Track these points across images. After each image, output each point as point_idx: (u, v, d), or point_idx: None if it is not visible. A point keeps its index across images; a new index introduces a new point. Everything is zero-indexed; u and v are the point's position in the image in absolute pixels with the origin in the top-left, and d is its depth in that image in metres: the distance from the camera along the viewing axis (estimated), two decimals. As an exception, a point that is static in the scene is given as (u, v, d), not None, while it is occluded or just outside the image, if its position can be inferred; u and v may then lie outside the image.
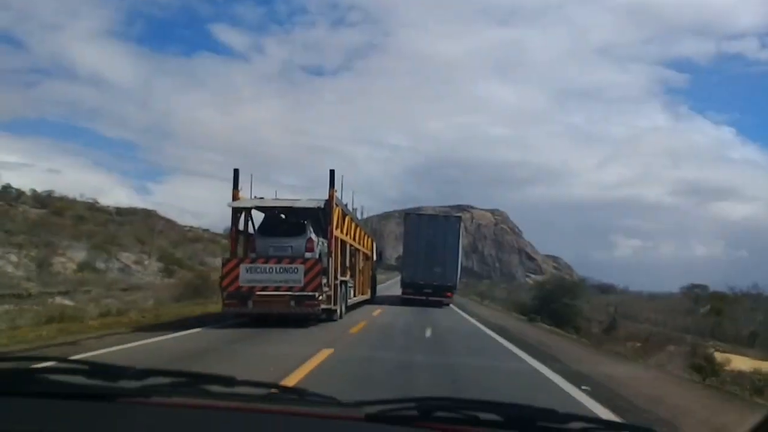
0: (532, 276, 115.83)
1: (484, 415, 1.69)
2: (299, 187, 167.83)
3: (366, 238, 23.70)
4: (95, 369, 1.80)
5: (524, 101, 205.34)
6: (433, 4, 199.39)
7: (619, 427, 2.43)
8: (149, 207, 45.81)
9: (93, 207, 38.16)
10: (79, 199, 37.80)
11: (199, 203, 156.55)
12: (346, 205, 17.58)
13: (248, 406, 1.74)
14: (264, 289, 13.76)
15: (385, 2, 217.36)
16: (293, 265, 13.89)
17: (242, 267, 13.94)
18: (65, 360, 2.03)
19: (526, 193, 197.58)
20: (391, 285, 35.96)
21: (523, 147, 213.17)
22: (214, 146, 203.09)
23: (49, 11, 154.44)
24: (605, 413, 6.36)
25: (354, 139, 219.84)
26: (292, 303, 13.84)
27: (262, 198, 15.79)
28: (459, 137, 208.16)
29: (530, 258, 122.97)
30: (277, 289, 13.77)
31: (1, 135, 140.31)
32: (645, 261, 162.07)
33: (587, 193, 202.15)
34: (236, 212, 15.38)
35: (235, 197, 15.19)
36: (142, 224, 37.64)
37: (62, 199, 36.09)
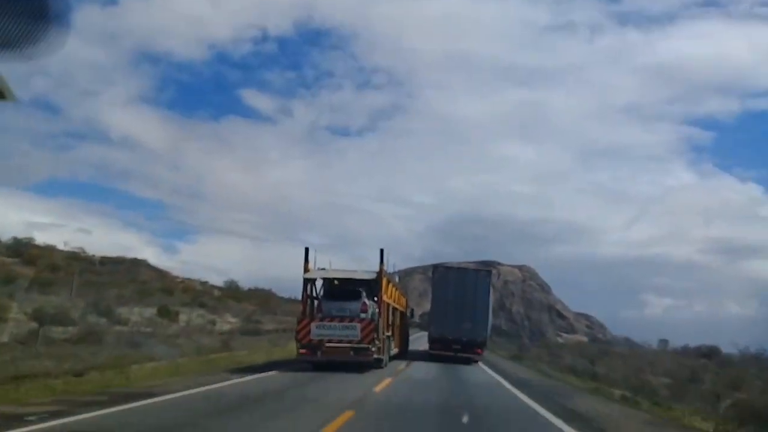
0: (564, 335, 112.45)
1: None
2: (326, 245, 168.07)
3: (401, 297, 26.59)
4: None
5: (547, 160, 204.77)
6: (456, 66, 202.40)
7: None
8: (173, 264, 45.87)
9: (77, 256, 37.55)
10: (61, 248, 37.10)
11: (226, 261, 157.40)
12: (386, 272, 20.48)
13: None
14: (330, 341, 17.67)
15: (409, 65, 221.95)
16: (353, 323, 17.88)
17: (313, 324, 17.87)
18: None
19: (552, 251, 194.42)
20: (414, 340, 34.78)
21: (547, 205, 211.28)
22: (241, 206, 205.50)
23: (85, 78, 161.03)
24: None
25: (378, 198, 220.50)
26: (352, 353, 17.78)
27: (325, 269, 19.80)
28: (482, 195, 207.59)
29: (561, 316, 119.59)
30: (340, 341, 17.70)
31: (35, 196, 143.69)
32: (677, 319, 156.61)
33: (615, 251, 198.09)
34: (306, 282, 19.19)
35: (306, 270, 19.10)
36: (124, 273, 37.14)
37: (41, 247, 35.23)
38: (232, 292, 43.05)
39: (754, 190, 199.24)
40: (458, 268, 27.80)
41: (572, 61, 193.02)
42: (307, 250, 19.34)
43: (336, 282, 19.64)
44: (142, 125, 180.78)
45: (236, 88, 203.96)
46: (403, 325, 27.41)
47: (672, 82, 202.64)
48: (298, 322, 18.49)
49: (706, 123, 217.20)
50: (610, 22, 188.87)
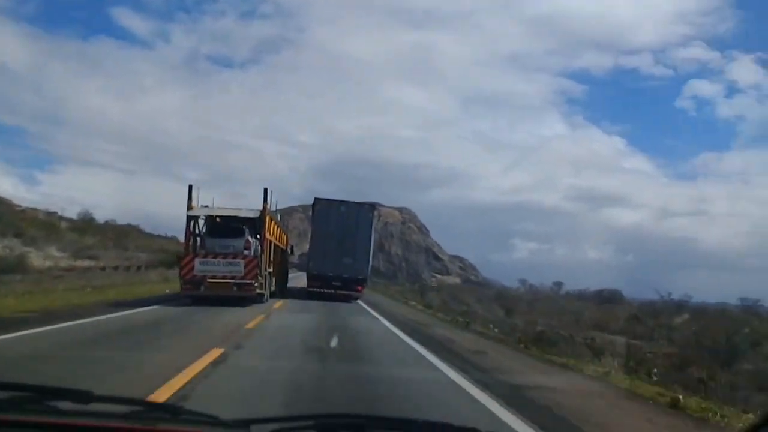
0: (438, 276, 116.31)
1: None
2: (204, 181, 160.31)
3: (282, 235, 26.70)
4: None
5: (433, 105, 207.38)
6: (349, 3, 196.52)
7: None
8: (33, 197, 40.57)
9: None
10: None
11: (93, 194, 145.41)
12: (269, 210, 20.76)
13: (105, 425, 1.48)
14: (213, 277, 17.87)
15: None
16: (236, 260, 18.30)
17: (196, 260, 18.08)
18: None
19: (431, 195, 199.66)
20: (292, 279, 33.56)
21: (430, 150, 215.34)
22: (111, 135, 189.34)
23: None
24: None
25: (261, 135, 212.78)
26: (234, 288, 18.10)
27: (208, 207, 20.18)
28: (367, 137, 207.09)
29: (437, 258, 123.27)
30: (223, 277, 17.98)
31: None
32: (541, 262, 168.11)
33: (490, 197, 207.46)
34: (189, 219, 19.16)
35: (189, 207, 19.08)
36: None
37: None
38: (83, 224, 38.41)
39: (618, 143, 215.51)
40: (340, 201, 26.15)
41: (464, 6, 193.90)
42: (190, 187, 19.30)
43: (219, 219, 20.08)
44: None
45: (108, 5, 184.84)
46: (284, 262, 27.67)
47: (554, 34, 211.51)
48: (181, 259, 19.00)
49: (581, 76, 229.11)
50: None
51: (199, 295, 17.88)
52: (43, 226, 33.69)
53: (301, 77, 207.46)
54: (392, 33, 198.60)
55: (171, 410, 1.61)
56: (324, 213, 25.66)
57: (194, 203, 19.32)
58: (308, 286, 26.02)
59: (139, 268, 34.36)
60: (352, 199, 26.59)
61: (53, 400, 1.56)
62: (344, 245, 25.15)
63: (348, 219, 25.40)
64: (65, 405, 1.54)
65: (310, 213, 27.76)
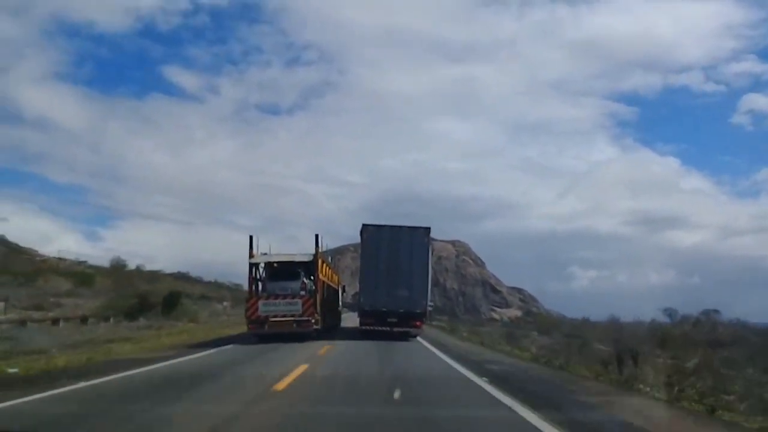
0: (498, 309, 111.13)
1: None
2: (256, 227, 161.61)
3: (334, 275, 28.25)
4: None
5: (478, 136, 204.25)
6: (387, 41, 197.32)
7: None
8: (99, 253, 39.28)
9: None
10: None
11: (152, 247, 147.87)
12: (322, 253, 22.93)
13: None
14: (275, 316, 19.99)
15: (340, 40, 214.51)
16: (295, 299, 20.27)
17: (260, 302, 20.22)
18: None
19: (483, 226, 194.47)
20: (345, 319, 31.55)
21: (479, 181, 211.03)
22: (166, 189, 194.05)
23: None
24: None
25: (309, 178, 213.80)
26: (294, 325, 19.98)
27: (267, 254, 22.06)
28: (414, 173, 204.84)
29: (495, 290, 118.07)
30: (284, 316, 20.00)
31: None
32: (602, 291, 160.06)
33: (544, 226, 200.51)
34: (251, 266, 21.17)
35: (251, 255, 21.20)
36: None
37: None
38: (112, 271, 36.48)
39: (672, 163, 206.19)
40: (391, 227, 23.15)
41: (503, 36, 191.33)
42: (251, 238, 21.32)
43: (276, 264, 21.93)
44: (58, 104, 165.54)
45: (159, 64, 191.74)
46: (336, 301, 28.68)
47: (598, 58, 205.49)
48: (247, 301, 20.94)
49: (630, 98, 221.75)
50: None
51: (264, 333, 20.05)
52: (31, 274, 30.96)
53: (345, 118, 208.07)
54: (433, 69, 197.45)
55: None
56: (373, 240, 22.77)
57: (254, 251, 21.33)
58: (360, 324, 23.09)
59: (55, 321, 24.58)
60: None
61: None
62: (398, 276, 22.18)
63: (401, 246, 22.44)
64: None
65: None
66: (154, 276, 41.77)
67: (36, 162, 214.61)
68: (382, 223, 23.59)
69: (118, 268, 37.27)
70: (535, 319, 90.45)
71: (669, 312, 35.74)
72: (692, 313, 37.24)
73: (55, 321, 24.32)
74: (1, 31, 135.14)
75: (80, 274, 31.63)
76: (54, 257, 36.82)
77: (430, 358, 16.38)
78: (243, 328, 21.54)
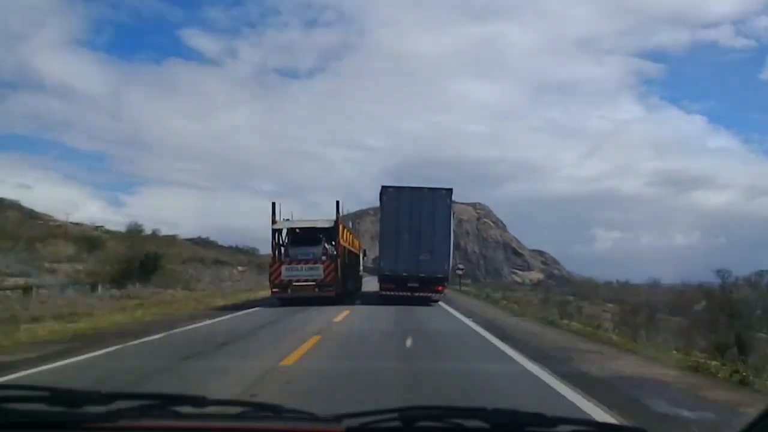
0: (520, 272, 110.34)
1: (469, 423, 1.69)
2: (277, 192, 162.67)
3: (354, 240, 28.56)
4: (57, 395, 1.75)
5: (501, 97, 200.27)
6: (407, 2, 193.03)
7: (612, 429, 2.58)
8: (122, 219, 38.46)
9: None
10: None
11: (175, 212, 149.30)
12: (343, 218, 23.23)
13: (221, 426, 1.74)
14: (298, 281, 20.36)
15: (360, 1, 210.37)
16: (317, 265, 20.63)
17: (283, 267, 20.61)
18: (25, 387, 2.02)
19: (505, 189, 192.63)
20: (365, 283, 31.12)
21: (501, 143, 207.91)
22: (186, 155, 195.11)
23: (13, 21, 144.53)
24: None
25: (329, 142, 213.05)
26: (316, 290, 20.32)
27: (289, 220, 22.71)
28: (436, 136, 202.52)
29: (516, 253, 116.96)
30: (306, 281, 20.34)
31: None
32: (625, 252, 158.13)
33: (566, 187, 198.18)
34: (274, 232, 21.66)
35: (273, 222, 21.51)
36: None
37: None
38: (127, 236, 35.95)
39: (699, 121, 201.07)
40: (412, 188, 22.24)
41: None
42: (273, 204, 21.64)
43: (298, 230, 22.50)
44: (78, 70, 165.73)
45: (178, 27, 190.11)
46: (357, 266, 29.03)
47: (624, 13, 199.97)
48: (271, 266, 21.55)
49: (656, 55, 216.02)
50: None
51: (287, 297, 20.46)
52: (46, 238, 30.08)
53: (365, 81, 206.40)
54: (454, 28, 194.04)
55: (274, 409, 1.79)
56: (393, 202, 21.92)
57: (277, 218, 21.64)
58: (380, 289, 22.43)
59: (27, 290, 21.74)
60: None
61: (175, 406, 1.73)
62: (419, 239, 21.36)
63: (422, 207, 21.55)
64: (185, 409, 1.71)
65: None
66: (170, 240, 41.46)
67: (58, 129, 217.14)
68: (403, 185, 22.73)
69: (133, 232, 36.98)
70: (565, 281, 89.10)
71: (722, 273, 32.84)
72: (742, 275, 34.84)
73: (27, 289, 21.72)
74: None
75: (89, 239, 31.12)
76: (70, 222, 36.59)
77: (486, 352, 10.37)
78: (239, 298, 21.71)
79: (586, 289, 43.22)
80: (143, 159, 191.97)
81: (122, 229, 38.44)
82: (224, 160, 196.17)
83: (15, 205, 34.93)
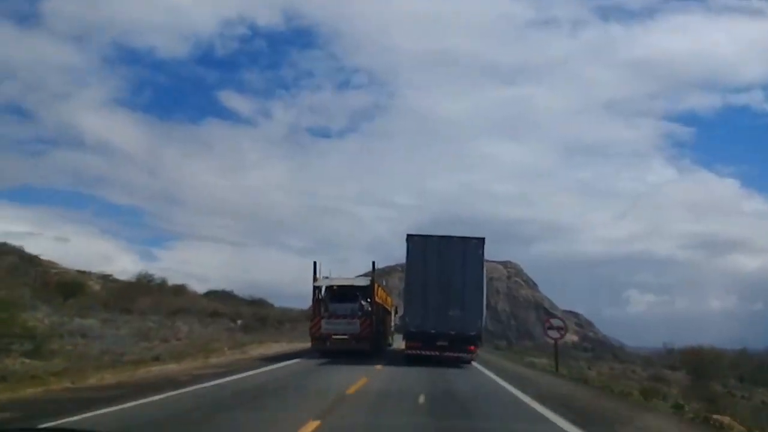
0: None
1: None
2: (307, 248, 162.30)
3: (387, 298, 30.23)
4: None
5: (530, 158, 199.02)
6: (437, 63, 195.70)
7: None
8: (153, 272, 36.90)
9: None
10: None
11: (206, 267, 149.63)
12: (377, 278, 25.22)
13: None
14: (336, 334, 22.30)
15: (390, 64, 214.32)
16: (354, 320, 22.58)
17: (323, 321, 22.58)
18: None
19: (536, 249, 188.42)
20: (395, 340, 30.23)
21: (530, 203, 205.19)
22: (220, 211, 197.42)
23: (57, 82, 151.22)
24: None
25: (359, 200, 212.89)
26: (353, 342, 22.24)
27: (328, 278, 24.18)
28: (464, 195, 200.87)
29: (549, 314, 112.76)
30: (344, 334, 22.28)
31: (8, 204, 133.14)
32: (660, 316, 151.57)
33: (599, 249, 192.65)
34: (315, 288, 23.22)
35: (315, 279, 23.13)
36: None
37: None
38: (135, 284, 34.47)
39: (732, 185, 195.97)
40: (440, 237, 20.38)
41: (555, 56, 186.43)
42: (315, 263, 23.14)
43: (336, 288, 23.88)
44: (117, 129, 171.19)
45: (215, 88, 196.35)
46: (389, 323, 30.66)
47: (654, 78, 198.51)
48: (311, 320, 23.41)
49: (687, 118, 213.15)
50: (593, 16, 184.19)
51: (325, 349, 22.11)
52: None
53: (395, 141, 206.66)
54: (483, 90, 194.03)
55: None
56: (420, 252, 20.08)
57: (318, 276, 23.11)
58: (406, 347, 20.30)
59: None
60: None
61: None
62: (449, 292, 19.45)
63: (452, 258, 19.71)
64: None
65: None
66: (179, 290, 39.92)
67: (96, 185, 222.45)
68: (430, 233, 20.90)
69: (141, 281, 35.64)
70: (608, 346, 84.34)
71: None
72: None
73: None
74: (64, 59, 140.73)
75: (68, 285, 29.26)
76: (75, 270, 35.38)
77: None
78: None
79: (693, 362, 31.07)
80: (178, 214, 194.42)
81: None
82: (256, 216, 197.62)
83: (16, 251, 33.86)
